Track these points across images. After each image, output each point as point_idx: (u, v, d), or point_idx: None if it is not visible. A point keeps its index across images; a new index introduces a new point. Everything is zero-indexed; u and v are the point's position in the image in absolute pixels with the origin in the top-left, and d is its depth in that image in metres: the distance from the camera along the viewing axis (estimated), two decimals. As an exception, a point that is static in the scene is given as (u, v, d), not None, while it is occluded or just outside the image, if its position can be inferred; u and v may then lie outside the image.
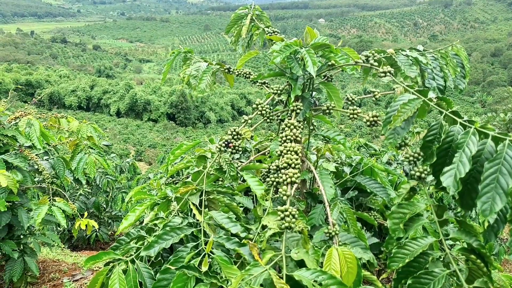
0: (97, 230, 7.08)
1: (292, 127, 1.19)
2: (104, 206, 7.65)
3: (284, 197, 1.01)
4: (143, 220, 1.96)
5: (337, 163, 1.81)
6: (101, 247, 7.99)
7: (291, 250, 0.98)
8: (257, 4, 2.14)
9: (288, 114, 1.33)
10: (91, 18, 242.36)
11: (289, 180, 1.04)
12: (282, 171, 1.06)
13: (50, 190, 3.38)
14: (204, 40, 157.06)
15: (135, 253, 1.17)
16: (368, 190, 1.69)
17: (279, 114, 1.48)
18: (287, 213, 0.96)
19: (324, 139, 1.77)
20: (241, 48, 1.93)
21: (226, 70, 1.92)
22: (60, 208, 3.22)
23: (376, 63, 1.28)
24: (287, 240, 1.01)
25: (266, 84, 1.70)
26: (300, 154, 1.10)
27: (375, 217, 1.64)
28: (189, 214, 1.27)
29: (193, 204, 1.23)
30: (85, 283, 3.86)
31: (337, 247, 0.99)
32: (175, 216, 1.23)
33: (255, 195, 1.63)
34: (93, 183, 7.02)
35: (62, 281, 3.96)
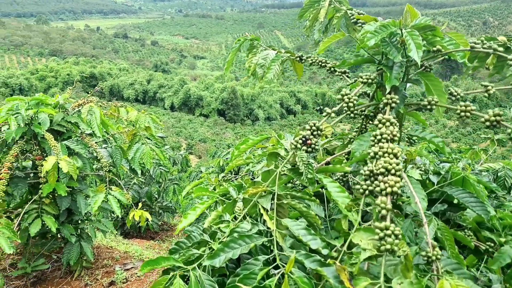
0: (146, 220, 7.21)
1: (388, 124, 0.99)
2: (156, 196, 7.77)
3: (383, 211, 0.81)
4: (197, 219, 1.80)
5: (420, 170, 1.56)
6: (151, 236, 8.14)
7: (391, 279, 0.78)
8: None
9: (381, 109, 1.13)
10: (150, 15, 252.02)
11: (389, 189, 0.84)
12: (379, 178, 0.87)
13: (107, 178, 3.38)
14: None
15: (196, 260, 1.03)
16: (460, 204, 1.44)
17: (363, 108, 1.27)
18: (388, 232, 0.76)
19: (408, 141, 1.53)
20: (317, 33, 1.74)
21: (298, 59, 1.74)
22: (115, 197, 3.21)
23: (501, 49, 1.04)
24: (384, 264, 0.81)
25: (346, 74, 1.49)
26: (400, 158, 0.90)
27: (470, 237, 1.39)
28: (258, 220, 1.10)
29: (264, 208, 1.06)
30: (135, 273, 3.86)
31: (447, 278, 0.78)
32: (243, 221, 1.07)
33: (327, 202, 1.44)
34: (147, 173, 7.14)
35: (114, 269, 3.99)
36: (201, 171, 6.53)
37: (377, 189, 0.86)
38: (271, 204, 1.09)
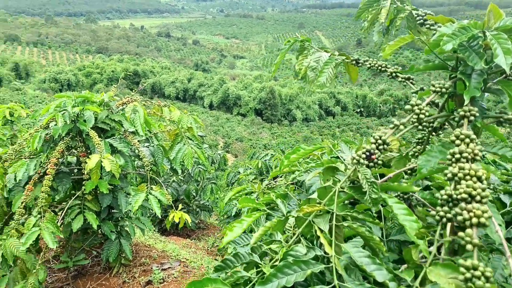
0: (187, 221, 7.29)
1: (467, 140, 0.86)
2: (194, 194, 7.82)
3: (469, 246, 0.69)
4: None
5: (489, 189, 1.40)
6: (187, 233, 8.20)
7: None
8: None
9: (457, 122, 1.00)
10: (193, 15, 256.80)
11: (474, 220, 0.71)
12: (461, 205, 0.74)
13: (149, 177, 3.39)
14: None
15: (244, 284, 0.94)
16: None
17: (432, 120, 1.14)
18: (477, 273, 0.64)
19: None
20: (376, 35, 1.61)
21: (353, 62, 1.62)
22: (156, 197, 3.20)
23: None
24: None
25: (410, 80, 1.36)
26: (485, 182, 0.77)
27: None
28: (315, 243, 1.00)
29: (321, 230, 0.96)
30: (172, 274, 3.85)
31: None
32: (298, 243, 0.97)
33: (384, 220, 1.31)
34: (186, 172, 7.19)
35: (151, 268, 4.01)
36: (239, 172, 6.49)
37: (459, 218, 0.73)
38: (333, 226, 0.99)
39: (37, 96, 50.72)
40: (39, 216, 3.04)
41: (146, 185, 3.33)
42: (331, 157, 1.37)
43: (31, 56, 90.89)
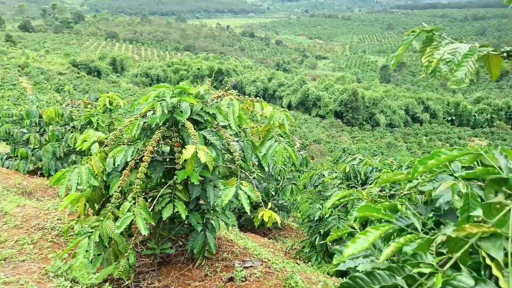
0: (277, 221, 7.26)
1: None
2: (273, 193, 7.72)
3: None
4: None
5: None
6: (264, 232, 8.13)
7: None
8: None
9: None
10: (277, 15, 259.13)
11: None
12: None
13: (239, 172, 3.32)
14: (384, 40, 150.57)
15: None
16: None
17: None
18: None
19: None
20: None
21: (505, 55, 1.34)
22: (245, 193, 3.12)
23: None
24: None
25: None
26: None
27: None
28: (483, 272, 0.78)
29: (492, 259, 0.74)
30: (254, 273, 3.76)
31: None
32: (461, 273, 0.76)
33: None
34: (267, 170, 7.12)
35: (233, 264, 3.96)
36: (323, 175, 6.25)
37: None
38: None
39: (129, 89, 54.80)
40: (133, 201, 3.13)
41: (236, 180, 3.27)
42: (484, 166, 1.12)
43: (126, 52, 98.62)
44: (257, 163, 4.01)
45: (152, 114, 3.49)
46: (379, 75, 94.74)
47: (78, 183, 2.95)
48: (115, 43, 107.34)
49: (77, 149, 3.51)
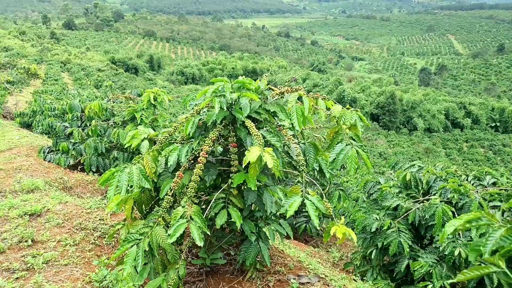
0: (307, 222, 6.88)
1: None
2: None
3: None
4: None
5: None
6: (306, 239, 7.72)
7: None
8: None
9: None
10: (313, 15, 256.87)
11: None
12: None
13: (304, 179, 2.93)
14: (424, 42, 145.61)
15: None
16: None
17: None
18: None
19: None
20: None
21: None
22: (313, 203, 2.72)
23: None
24: None
25: None
26: None
27: None
28: None
29: None
30: (311, 291, 3.37)
31: None
32: None
33: None
34: (312, 174, 6.69)
35: (287, 279, 3.58)
36: (378, 182, 5.75)
37: None
38: None
39: (165, 87, 55.53)
40: (186, 206, 2.80)
41: (301, 188, 2.88)
42: None
43: (163, 50, 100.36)
44: (317, 168, 3.60)
45: (207, 110, 3.16)
46: (418, 77, 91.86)
47: (128, 185, 2.64)
48: (152, 41, 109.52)
49: (125, 146, 3.23)
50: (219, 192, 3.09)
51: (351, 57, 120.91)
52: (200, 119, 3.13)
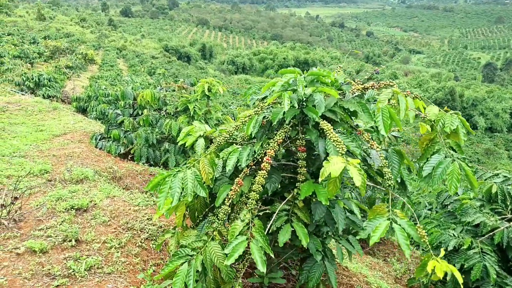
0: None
1: None
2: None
3: None
4: None
5: None
6: (361, 245, 7.09)
7: None
8: None
9: None
10: (370, 5, 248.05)
11: None
12: None
13: (391, 196, 2.40)
14: (491, 34, 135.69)
15: None
16: None
17: None
18: None
19: None
20: None
21: None
22: (404, 229, 2.18)
23: None
24: None
25: None
26: None
27: None
28: None
29: None
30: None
31: None
32: None
33: None
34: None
35: (356, 305, 3.07)
36: (456, 193, 5.03)
37: None
38: None
39: (215, 76, 55.87)
40: (247, 220, 2.36)
41: (387, 207, 2.34)
42: None
43: (215, 39, 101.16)
44: (399, 180, 3.03)
45: (272, 107, 2.70)
46: (481, 73, 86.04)
47: (181, 193, 2.24)
48: (205, 30, 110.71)
49: (179, 144, 2.85)
50: (283, 203, 2.63)
51: (408, 49, 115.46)
52: (264, 117, 2.67)
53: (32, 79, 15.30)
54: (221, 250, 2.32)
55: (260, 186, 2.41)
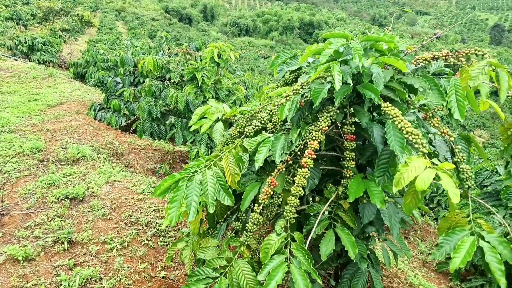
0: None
1: None
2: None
3: None
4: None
5: None
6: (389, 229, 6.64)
7: None
8: None
9: None
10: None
11: None
12: None
13: (470, 200, 1.84)
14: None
15: None
16: None
17: None
18: None
19: None
20: None
21: None
22: (494, 248, 1.64)
23: None
24: None
25: None
26: None
27: None
28: None
29: None
30: None
31: None
32: None
33: None
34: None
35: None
36: (496, 172, 4.49)
37: None
38: None
39: (218, 39, 54.21)
40: (284, 234, 1.82)
41: (467, 215, 1.79)
42: None
43: None
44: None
45: (309, 83, 2.09)
46: (489, 35, 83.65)
47: (200, 202, 1.68)
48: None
49: (191, 129, 2.27)
50: (326, 205, 2.08)
51: (415, 10, 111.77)
52: (303, 96, 2.07)
53: (26, 43, 14.45)
54: (251, 272, 1.80)
55: (300, 188, 1.85)
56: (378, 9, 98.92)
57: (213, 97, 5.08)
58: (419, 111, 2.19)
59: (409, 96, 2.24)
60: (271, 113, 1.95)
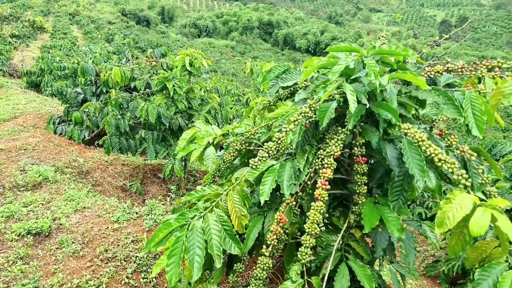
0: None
1: None
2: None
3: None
4: None
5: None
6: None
7: None
8: None
9: None
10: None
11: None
12: None
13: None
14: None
15: None
16: None
17: None
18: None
19: None
20: None
21: None
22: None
23: None
24: None
25: None
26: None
27: None
28: None
29: None
30: None
31: None
32: None
33: None
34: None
35: None
36: None
37: None
38: None
39: (178, 40, 53.28)
40: (301, 281, 1.58)
41: (499, 245, 1.62)
42: None
43: (175, 1, 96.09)
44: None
45: (315, 98, 1.85)
46: (438, 30, 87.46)
47: (204, 255, 1.40)
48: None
49: (177, 157, 1.98)
50: (339, 238, 1.86)
51: (368, 8, 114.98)
52: (309, 118, 1.84)
53: (-29, 51, 13.40)
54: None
55: (316, 225, 1.62)
56: (334, 8, 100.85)
57: (185, 106, 4.76)
58: (431, 128, 2.01)
59: (416, 110, 2.08)
60: (279, 141, 1.70)
